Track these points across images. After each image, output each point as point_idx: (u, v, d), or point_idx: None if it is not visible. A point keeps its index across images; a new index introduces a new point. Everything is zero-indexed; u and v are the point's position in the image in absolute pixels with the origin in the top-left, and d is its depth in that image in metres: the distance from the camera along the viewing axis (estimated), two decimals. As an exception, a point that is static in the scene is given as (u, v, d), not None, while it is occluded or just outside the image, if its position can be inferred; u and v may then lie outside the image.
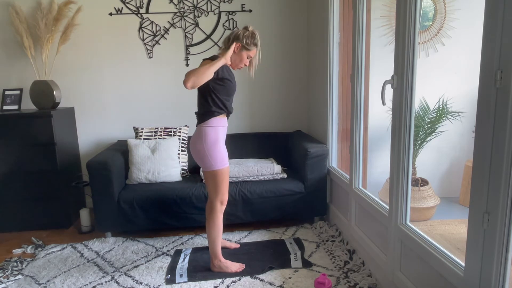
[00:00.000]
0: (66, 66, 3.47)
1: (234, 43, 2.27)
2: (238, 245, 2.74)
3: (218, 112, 2.27)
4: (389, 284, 2.10)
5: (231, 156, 3.45)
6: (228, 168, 2.35)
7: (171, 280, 2.32)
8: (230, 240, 2.84)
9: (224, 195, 2.35)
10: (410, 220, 1.97)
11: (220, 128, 2.29)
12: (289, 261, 2.50)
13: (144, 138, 3.26)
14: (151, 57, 3.55)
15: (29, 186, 3.13)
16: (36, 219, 3.19)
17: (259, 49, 2.36)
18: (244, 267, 2.43)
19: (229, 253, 2.60)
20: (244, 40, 2.27)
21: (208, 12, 3.52)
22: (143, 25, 3.49)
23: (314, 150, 2.97)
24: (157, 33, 3.51)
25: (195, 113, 2.35)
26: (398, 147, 1.95)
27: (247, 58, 2.34)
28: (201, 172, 2.47)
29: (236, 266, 2.41)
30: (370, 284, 2.21)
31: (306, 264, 2.46)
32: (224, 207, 2.39)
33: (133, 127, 3.40)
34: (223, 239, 2.69)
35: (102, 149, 3.52)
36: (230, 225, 3.03)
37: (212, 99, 2.24)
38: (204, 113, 2.27)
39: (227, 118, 2.36)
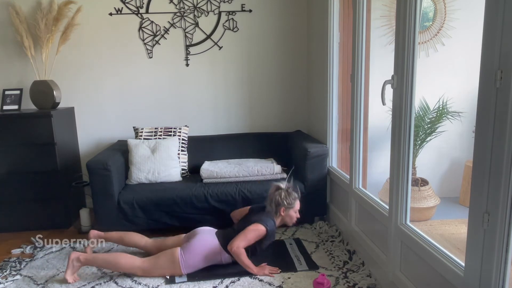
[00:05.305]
0: (66, 66, 3.47)
1: (282, 209, 2.46)
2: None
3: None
4: (389, 284, 2.10)
5: (231, 156, 3.48)
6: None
7: (170, 280, 2.31)
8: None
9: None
10: (410, 220, 1.97)
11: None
12: (293, 263, 2.49)
13: (144, 138, 3.26)
14: (151, 57, 3.55)
15: (29, 186, 3.12)
16: (36, 219, 3.18)
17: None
18: None
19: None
20: (284, 202, 2.46)
21: (208, 12, 3.52)
22: (143, 25, 3.49)
23: (314, 150, 2.97)
24: (157, 33, 3.51)
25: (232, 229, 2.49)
26: (398, 147, 1.95)
27: (295, 212, 2.52)
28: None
29: None
30: (369, 284, 2.21)
31: (312, 266, 2.44)
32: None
33: (133, 127, 3.40)
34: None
35: (102, 149, 3.52)
36: (230, 225, 3.02)
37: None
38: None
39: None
